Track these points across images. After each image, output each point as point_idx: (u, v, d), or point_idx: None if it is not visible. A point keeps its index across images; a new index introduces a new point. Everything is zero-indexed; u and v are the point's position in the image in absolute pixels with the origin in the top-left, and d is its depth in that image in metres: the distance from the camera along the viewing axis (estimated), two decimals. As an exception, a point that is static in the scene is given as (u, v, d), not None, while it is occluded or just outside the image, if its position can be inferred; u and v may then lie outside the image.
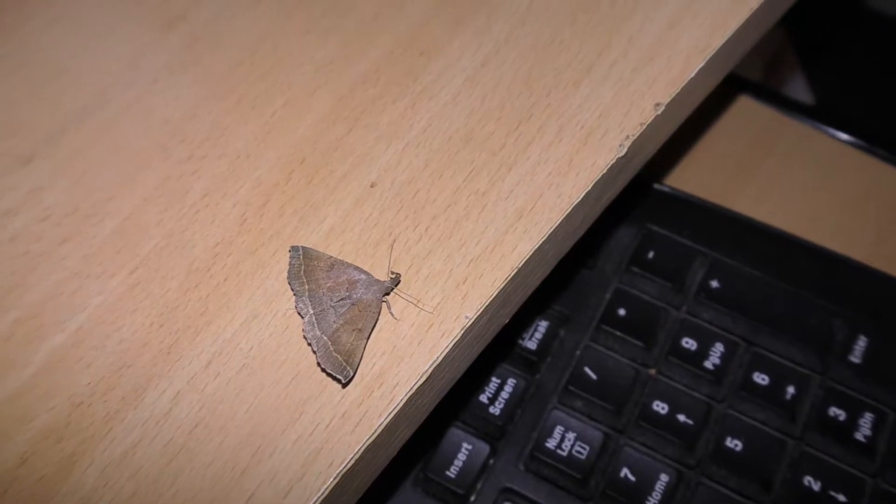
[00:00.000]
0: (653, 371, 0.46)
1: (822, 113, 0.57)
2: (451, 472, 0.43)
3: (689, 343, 0.46)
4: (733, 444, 0.44)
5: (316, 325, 0.33)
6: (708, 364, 0.46)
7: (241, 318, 0.34)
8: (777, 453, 0.43)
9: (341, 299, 0.34)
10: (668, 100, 0.38)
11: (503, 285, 0.34)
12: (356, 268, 0.35)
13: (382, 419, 0.32)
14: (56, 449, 0.32)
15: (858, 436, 0.43)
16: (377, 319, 0.34)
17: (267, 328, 0.34)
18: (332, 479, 0.31)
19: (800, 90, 0.67)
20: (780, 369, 0.45)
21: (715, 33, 0.39)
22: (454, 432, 0.44)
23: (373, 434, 0.32)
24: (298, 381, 0.33)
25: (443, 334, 0.33)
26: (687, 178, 0.54)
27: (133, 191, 0.37)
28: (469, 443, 0.44)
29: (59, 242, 0.36)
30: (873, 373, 0.45)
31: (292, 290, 0.34)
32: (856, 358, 0.45)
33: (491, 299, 0.34)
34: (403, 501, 0.43)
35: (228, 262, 0.35)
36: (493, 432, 0.44)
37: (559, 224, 0.35)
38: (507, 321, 0.37)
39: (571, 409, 0.45)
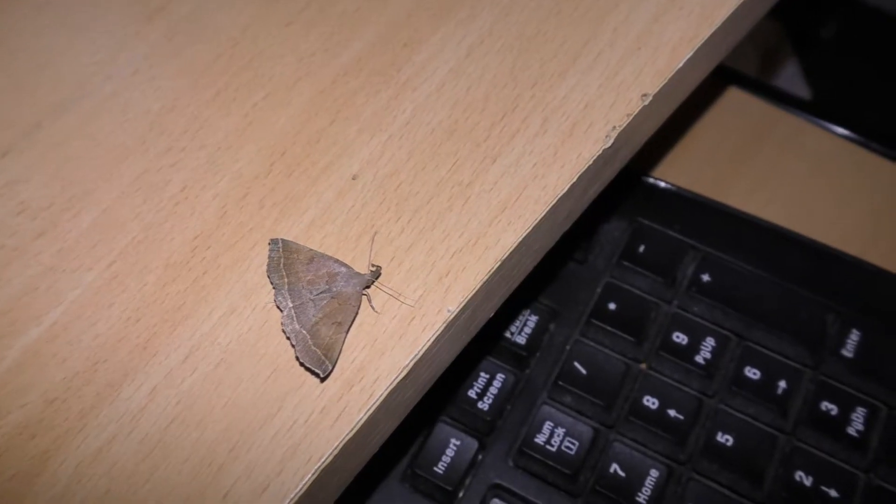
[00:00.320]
0: (643, 366, 0.45)
1: (815, 106, 0.57)
2: (439, 468, 0.43)
3: (679, 338, 0.46)
4: (724, 439, 0.43)
5: (295, 319, 0.33)
6: (699, 359, 0.45)
7: (219, 312, 0.34)
8: (768, 448, 0.43)
9: (321, 292, 0.33)
10: (656, 91, 0.37)
11: (487, 278, 0.34)
12: (336, 260, 0.34)
13: (362, 414, 0.31)
14: (29, 445, 0.31)
15: (851, 430, 0.43)
16: (357, 313, 0.33)
17: (246, 322, 0.33)
18: (310, 475, 0.31)
19: (796, 84, 0.67)
20: (772, 364, 0.45)
21: (703, 24, 0.39)
22: (442, 428, 0.44)
23: (352, 429, 0.31)
24: (277, 375, 0.32)
25: (424, 328, 0.33)
26: (678, 171, 0.53)
27: (111, 184, 0.36)
28: (457, 438, 0.44)
29: (35, 237, 0.35)
30: (866, 367, 0.44)
31: (271, 283, 0.34)
32: (848, 352, 0.45)
33: (474, 292, 0.34)
34: (391, 498, 0.43)
35: (207, 255, 0.35)
36: (481, 428, 0.44)
37: (544, 216, 0.35)
38: (492, 315, 0.37)
39: (561, 405, 0.45)
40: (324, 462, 0.31)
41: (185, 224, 0.35)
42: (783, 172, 0.54)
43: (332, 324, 0.33)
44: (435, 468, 0.43)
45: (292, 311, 0.33)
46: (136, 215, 0.36)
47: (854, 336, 0.45)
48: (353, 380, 0.32)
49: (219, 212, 0.36)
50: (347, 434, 0.31)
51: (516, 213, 0.35)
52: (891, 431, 0.43)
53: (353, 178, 0.36)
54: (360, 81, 0.39)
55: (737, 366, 0.45)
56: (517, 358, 0.46)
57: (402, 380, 0.32)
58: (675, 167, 0.54)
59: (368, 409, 0.32)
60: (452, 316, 0.33)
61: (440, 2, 0.41)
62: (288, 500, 0.30)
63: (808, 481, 0.42)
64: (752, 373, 0.45)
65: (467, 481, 0.43)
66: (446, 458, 0.43)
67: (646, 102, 0.37)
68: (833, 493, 0.41)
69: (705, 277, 0.47)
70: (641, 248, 0.49)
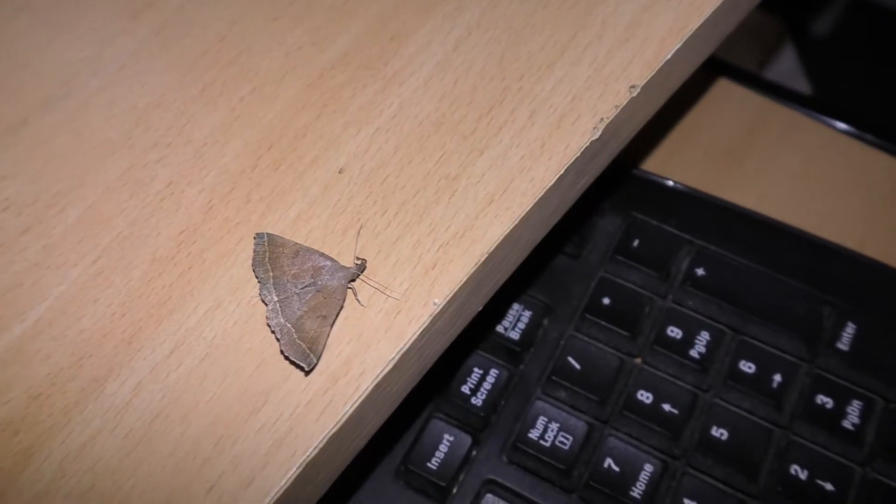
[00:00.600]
0: (638, 360, 0.45)
1: (812, 100, 0.56)
2: (433, 464, 0.43)
3: (674, 332, 0.45)
4: (719, 433, 0.43)
5: (280, 313, 0.33)
6: (694, 353, 0.45)
7: (205, 307, 0.33)
8: (764, 442, 0.43)
9: (306, 286, 0.33)
10: (644, 82, 0.37)
11: (473, 271, 0.34)
12: (321, 254, 0.34)
13: (348, 407, 0.31)
14: (12, 442, 0.31)
15: (846, 424, 0.43)
16: (342, 306, 0.33)
17: (231, 316, 0.33)
18: (295, 469, 0.30)
19: (796, 79, 0.66)
20: (767, 357, 0.45)
21: (692, 15, 0.39)
22: (436, 424, 0.44)
23: (338, 422, 0.31)
24: (262, 369, 0.32)
25: (410, 321, 0.33)
26: (674, 165, 0.53)
27: (96, 180, 0.36)
28: (451, 434, 0.43)
29: (20, 233, 0.35)
30: (861, 360, 0.44)
31: (257, 277, 0.34)
32: (844, 345, 0.45)
33: (461, 285, 0.33)
34: (384, 494, 0.43)
35: (193, 250, 0.35)
36: (475, 424, 0.44)
37: (531, 209, 0.35)
38: (480, 308, 0.37)
39: (555, 400, 0.44)
40: (309, 455, 0.31)
41: (171, 219, 0.35)
42: (779, 166, 0.53)
43: (317, 317, 0.33)
44: (428, 464, 0.43)
45: (277, 305, 0.33)
46: (122, 211, 0.36)
47: (850, 329, 0.45)
48: (339, 373, 0.32)
49: (205, 207, 0.36)
50: (333, 427, 0.31)
51: (503, 206, 0.35)
52: (887, 424, 0.43)
53: (340, 172, 0.36)
54: (348, 75, 0.39)
55: (732, 360, 0.45)
56: (511, 353, 0.46)
57: (388, 373, 0.32)
58: (671, 161, 0.53)
59: (354, 403, 0.31)
60: (439, 309, 0.33)
61: (427, -5, 0.41)
62: (273, 494, 0.30)
63: (803, 475, 0.41)
64: (747, 367, 0.44)
65: (461, 477, 0.43)
66: (440, 454, 0.43)
67: (634, 94, 0.37)
68: (829, 486, 0.41)
69: (700, 271, 0.47)
70: (636, 243, 0.48)
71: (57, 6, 0.41)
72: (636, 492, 0.42)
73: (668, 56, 0.38)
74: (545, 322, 0.47)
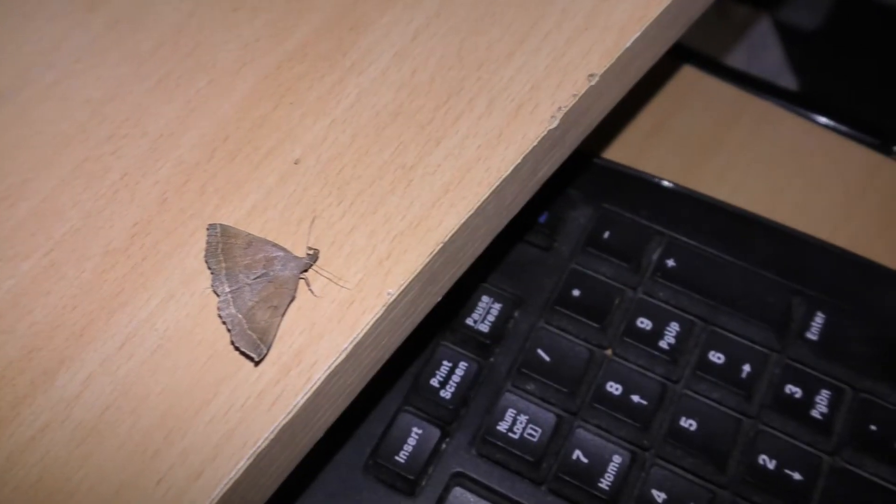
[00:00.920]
0: (608, 352, 0.45)
1: (786, 92, 0.56)
2: (401, 458, 0.42)
3: (644, 323, 0.45)
4: (688, 423, 0.43)
5: (231, 304, 0.33)
6: (663, 344, 0.45)
7: (157, 299, 0.33)
8: (732, 432, 0.42)
9: (258, 277, 0.33)
10: (603, 70, 0.37)
11: (428, 261, 0.33)
12: (274, 245, 0.34)
13: (299, 398, 0.31)
14: (-40, 435, 0.31)
15: (815, 413, 0.42)
16: (294, 297, 0.33)
17: (183, 308, 0.33)
18: (245, 460, 0.30)
19: (782, 74, 0.66)
20: (737, 348, 0.44)
21: (652, 3, 0.38)
22: (404, 417, 0.44)
23: (289, 413, 0.31)
24: (214, 360, 0.32)
25: (364, 311, 0.33)
26: (647, 157, 0.53)
27: (50, 173, 0.36)
28: (419, 427, 0.43)
29: (-29, 227, 0.35)
30: (831, 350, 0.44)
31: (209, 268, 0.34)
32: (813, 335, 0.44)
33: (415, 275, 0.33)
34: (353, 488, 0.42)
35: (147, 242, 0.35)
36: (444, 416, 0.44)
37: (487, 198, 0.35)
38: (439, 299, 0.36)
39: (525, 392, 0.44)
40: (259, 447, 0.30)
41: (125, 211, 0.35)
42: (752, 158, 0.53)
43: (268, 308, 0.32)
44: (396, 457, 0.42)
45: (229, 295, 0.33)
46: (76, 203, 0.35)
47: (819, 319, 0.45)
48: (291, 364, 0.32)
49: (159, 198, 0.35)
50: (284, 418, 0.31)
51: (459, 195, 0.35)
52: (855, 414, 0.42)
53: (296, 163, 0.36)
54: (306, 66, 0.38)
55: (701, 350, 0.44)
56: (480, 346, 0.45)
57: (340, 363, 0.32)
58: (644, 153, 0.53)
59: (306, 393, 0.31)
60: (392, 299, 0.33)
61: (387, -15, 0.40)
62: (222, 486, 0.30)
63: (771, 465, 0.41)
64: (716, 357, 0.44)
65: (430, 470, 0.43)
66: (408, 448, 0.43)
67: (592, 83, 0.37)
68: (797, 476, 0.41)
69: (670, 263, 0.47)
70: (606, 235, 0.48)
71: (12, -1, 0.41)
72: (605, 483, 0.41)
73: (628, 44, 0.37)
74: (515, 314, 0.46)
